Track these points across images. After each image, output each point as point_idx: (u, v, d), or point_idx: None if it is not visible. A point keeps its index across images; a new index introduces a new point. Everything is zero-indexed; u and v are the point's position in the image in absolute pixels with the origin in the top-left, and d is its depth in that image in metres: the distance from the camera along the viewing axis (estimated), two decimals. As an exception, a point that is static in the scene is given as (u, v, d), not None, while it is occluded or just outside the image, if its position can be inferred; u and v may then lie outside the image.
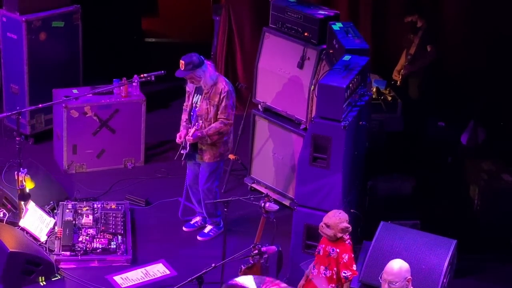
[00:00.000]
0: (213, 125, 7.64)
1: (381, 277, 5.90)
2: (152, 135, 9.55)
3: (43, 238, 7.81)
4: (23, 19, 9.05)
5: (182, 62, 7.49)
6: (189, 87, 7.84)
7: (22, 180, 7.73)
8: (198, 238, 8.12)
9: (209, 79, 7.61)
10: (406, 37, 9.37)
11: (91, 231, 7.85)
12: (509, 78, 9.39)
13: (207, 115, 7.65)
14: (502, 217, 8.18)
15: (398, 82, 9.32)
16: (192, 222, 8.27)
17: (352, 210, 7.19)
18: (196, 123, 7.63)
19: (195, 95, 7.76)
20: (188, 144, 7.69)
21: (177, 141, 7.77)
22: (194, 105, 7.75)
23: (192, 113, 7.77)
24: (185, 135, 7.71)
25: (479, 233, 8.12)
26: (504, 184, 8.39)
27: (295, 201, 7.23)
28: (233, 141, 8.08)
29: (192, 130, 7.62)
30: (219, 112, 7.64)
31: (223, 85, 7.64)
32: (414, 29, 9.23)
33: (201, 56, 7.59)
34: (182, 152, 7.78)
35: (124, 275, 7.53)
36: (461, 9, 9.74)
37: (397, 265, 5.86)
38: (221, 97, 7.60)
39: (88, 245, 7.67)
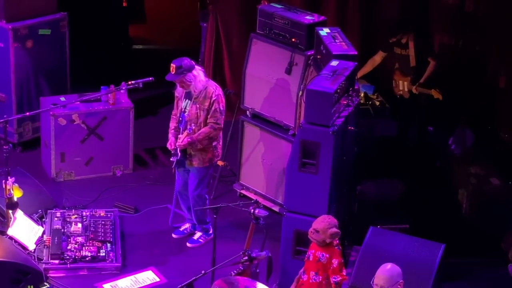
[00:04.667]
0: (202, 130, 7.64)
1: (373, 282, 5.90)
2: (140, 142, 9.53)
3: (31, 246, 7.78)
4: (10, 27, 9.02)
5: (173, 65, 7.50)
6: (178, 92, 7.83)
7: (10, 189, 7.71)
8: (188, 245, 8.11)
9: (199, 83, 7.61)
10: (392, 53, 9.29)
11: (80, 239, 7.82)
12: (496, 83, 9.43)
13: (196, 119, 7.65)
14: (491, 221, 8.21)
15: (405, 95, 9.21)
16: (181, 229, 8.26)
17: (341, 215, 7.20)
18: (188, 127, 7.62)
19: (184, 100, 7.75)
20: (179, 150, 7.68)
21: (168, 147, 7.77)
22: (183, 110, 7.75)
23: (181, 119, 7.76)
24: (175, 142, 7.71)
25: (468, 237, 8.14)
26: (492, 188, 8.43)
27: (284, 207, 7.23)
28: (222, 147, 8.08)
29: (183, 136, 7.61)
30: (209, 116, 7.64)
31: (213, 89, 7.65)
32: (400, 45, 9.17)
33: (192, 61, 7.61)
34: (172, 159, 7.77)
35: (113, 283, 7.51)
36: (449, 18, 9.78)
37: (388, 269, 5.86)
38: (212, 101, 7.60)
39: (77, 253, 7.65)
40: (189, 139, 7.59)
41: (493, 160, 8.79)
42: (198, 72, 7.64)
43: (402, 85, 9.13)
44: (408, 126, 9.34)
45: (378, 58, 9.32)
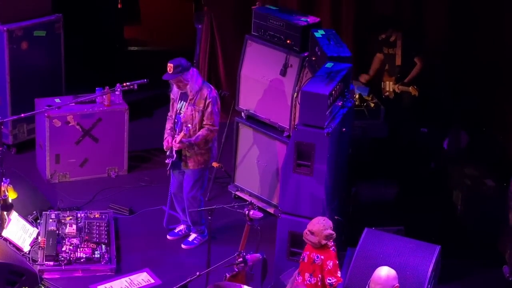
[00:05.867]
0: (200, 133, 7.64)
1: (368, 286, 5.90)
2: (135, 144, 9.53)
3: (26, 248, 7.77)
4: (5, 28, 9.01)
5: (170, 65, 7.50)
6: (174, 94, 7.84)
7: (4, 190, 7.70)
8: (183, 246, 8.11)
9: (195, 84, 7.63)
10: (382, 52, 9.33)
11: (74, 240, 7.81)
12: (490, 84, 9.44)
13: (192, 121, 7.66)
14: (485, 222, 8.22)
15: (391, 96, 9.29)
16: (176, 231, 8.26)
17: (336, 217, 7.20)
18: (185, 128, 7.61)
19: (179, 101, 7.76)
20: (174, 151, 7.69)
21: (164, 147, 7.77)
22: (178, 111, 7.75)
23: (176, 120, 7.77)
24: (171, 141, 7.71)
25: (463, 239, 8.15)
26: (487, 189, 8.43)
27: (279, 208, 7.23)
28: (217, 149, 8.09)
29: (179, 137, 7.59)
30: (204, 118, 7.64)
31: (208, 91, 7.67)
32: (388, 43, 9.20)
33: (188, 61, 7.62)
34: (167, 161, 7.77)
35: (108, 285, 7.50)
36: (442, 18, 9.79)
37: (384, 273, 5.85)
38: (207, 102, 7.62)
39: (71, 255, 7.64)
40: (187, 142, 7.59)
41: (488, 162, 8.80)
42: (195, 73, 7.66)
43: (388, 86, 9.20)
44: (398, 126, 9.34)
45: (380, 56, 9.38)
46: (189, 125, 7.60)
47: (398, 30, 9.14)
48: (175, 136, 7.69)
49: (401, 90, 9.14)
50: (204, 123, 7.65)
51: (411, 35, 9.33)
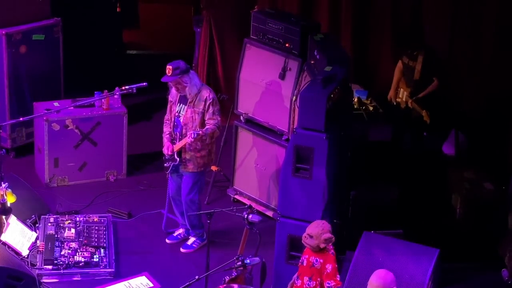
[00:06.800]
0: (208, 126, 7.63)
1: (366, 289, 5.90)
2: (134, 147, 9.53)
3: (25, 252, 7.76)
4: (3, 32, 9.01)
5: (169, 67, 7.51)
6: (172, 96, 7.83)
7: (3, 194, 7.69)
8: (181, 250, 8.10)
9: (194, 86, 7.64)
10: (402, 61, 9.27)
11: (73, 244, 7.81)
12: (489, 88, 9.45)
13: (192, 123, 7.66)
14: (484, 225, 8.22)
15: (402, 105, 9.21)
16: (175, 234, 8.25)
17: (335, 220, 7.20)
18: (193, 132, 7.57)
19: (179, 104, 7.76)
20: (176, 155, 7.68)
21: (166, 153, 7.75)
22: (177, 114, 7.75)
23: (176, 123, 7.76)
24: (171, 146, 7.71)
25: (462, 242, 8.14)
26: (485, 192, 8.43)
27: (278, 212, 7.23)
28: (215, 152, 8.08)
29: (189, 135, 7.55)
30: (207, 118, 7.63)
31: (208, 92, 7.68)
32: (411, 56, 9.09)
33: (187, 64, 7.63)
34: (167, 165, 7.76)
35: (107, 289, 7.51)
36: (441, 20, 9.82)
37: (382, 276, 5.84)
38: (207, 104, 7.62)
39: (70, 259, 7.63)
40: (200, 133, 7.52)
41: (487, 165, 8.80)
42: (193, 75, 7.66)
43: (402, 94, 9.13)
44: (403, 132, 9.33)
45: (400, 66, 9.32)
46: (200, 132, 7.56)
47: (421, 48, 8.98)
48: (179, 138, 7.67)
49: (413, 107, 9.01)
50: (208, 122, 7.63)
51: (434, 54, 9.20)
